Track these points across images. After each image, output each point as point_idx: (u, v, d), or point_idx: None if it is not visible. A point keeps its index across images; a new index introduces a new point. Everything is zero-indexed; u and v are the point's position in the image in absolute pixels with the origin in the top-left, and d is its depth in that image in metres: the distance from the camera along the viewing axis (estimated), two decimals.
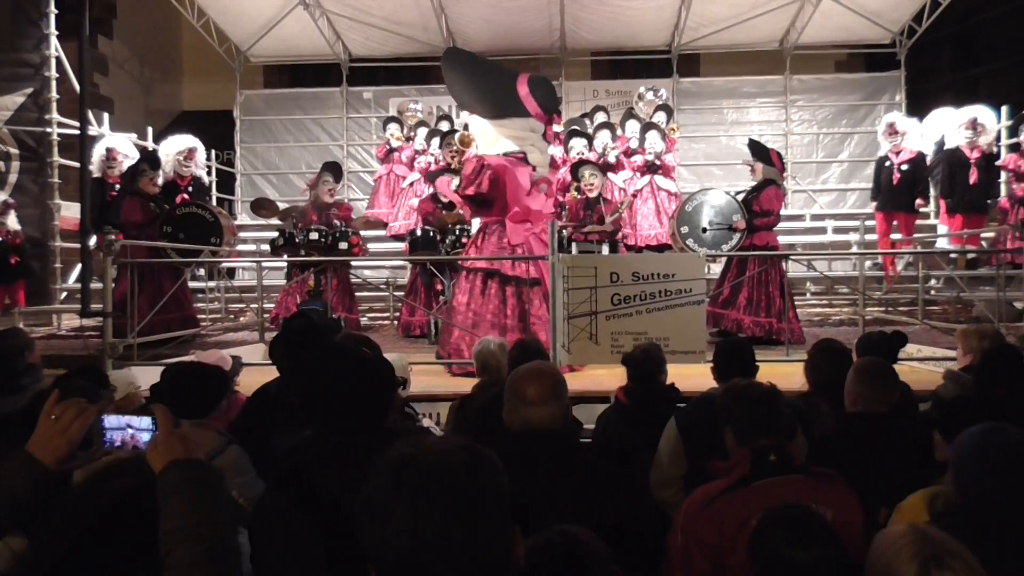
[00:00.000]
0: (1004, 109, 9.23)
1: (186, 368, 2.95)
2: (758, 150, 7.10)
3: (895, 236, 9.06)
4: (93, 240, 7.50)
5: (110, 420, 1.43)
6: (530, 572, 1.16)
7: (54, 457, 1.36)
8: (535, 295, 5.62)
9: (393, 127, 10.40)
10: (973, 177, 8.44)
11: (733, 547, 1.96)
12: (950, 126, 8.82)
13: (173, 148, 9.02)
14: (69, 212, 9.10)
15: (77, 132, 7.92)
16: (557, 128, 9.90)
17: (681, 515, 2.08)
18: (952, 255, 8.58)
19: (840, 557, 1.53)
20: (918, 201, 8.88)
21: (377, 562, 0.97)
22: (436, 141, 9.38)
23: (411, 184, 9.78)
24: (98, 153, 8.64)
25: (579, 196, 7.89)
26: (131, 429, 1.43)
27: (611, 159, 9.11)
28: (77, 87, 8.30)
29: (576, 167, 7.86)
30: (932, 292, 8.59)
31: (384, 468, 1.00)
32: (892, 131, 8.94)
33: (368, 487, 1.00)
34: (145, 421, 1.42)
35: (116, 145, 8.85)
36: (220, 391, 2.82)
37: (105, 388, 2.76)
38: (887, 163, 8.94)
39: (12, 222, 8.19)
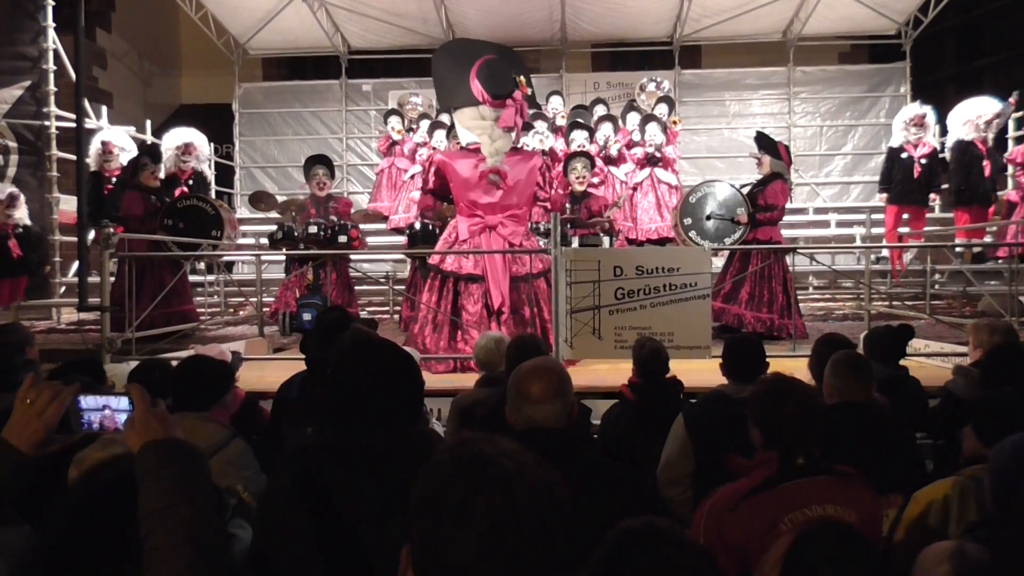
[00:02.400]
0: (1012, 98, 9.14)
1: (190, 361, 2.91)
2: (765, 142, 7.01)
3: (903, 230, 8.99)
4: (92, 234, 7.44)
5: (87, 401, 1.40)
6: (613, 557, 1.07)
7: (31, 442, 1.34)
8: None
9: (394, 120, 10.32)
10: (988, 170, 8.37)
11: (760, 550, 1.90)
12: (963, 118, 8.70)
13: (171, 143, 8.96)
14: (68, 206, 9.04)
15: (75, 125, 7.85)
16: (560, 113, 9.85)
17: (704, 515, 2.02)
18: (958, 249, 8.51)
19: None
20: (932, 195, 8.82)
21: (427, 561, 0.89)
22: (440, 134, 9.27)
23: (412, 177, 9.69)
24: (93, 147, 8.57)
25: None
26: (109, 410, 1.40)
27: (613, 152, 9.04)
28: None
29: (568, 159, 7.76)
30: (936, 286, 8.52)
31: (463, 462, 0.91)
32: (919, 123, 8.82)
33: (438, 477, 0.91)
34: (123, 401, 1.39)
35: (112, 138, 8.78)
36: (223, 385, 2.79)
37: (102, 383, 2.73)
38: (904, 155, 8.82)
39: (21, 215, 8.12)
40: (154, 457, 1.23)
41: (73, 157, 8.30)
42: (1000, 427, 2.17)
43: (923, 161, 8.71)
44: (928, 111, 9.11)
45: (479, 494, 0.87)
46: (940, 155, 9.06)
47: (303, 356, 3.52)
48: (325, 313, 3.59)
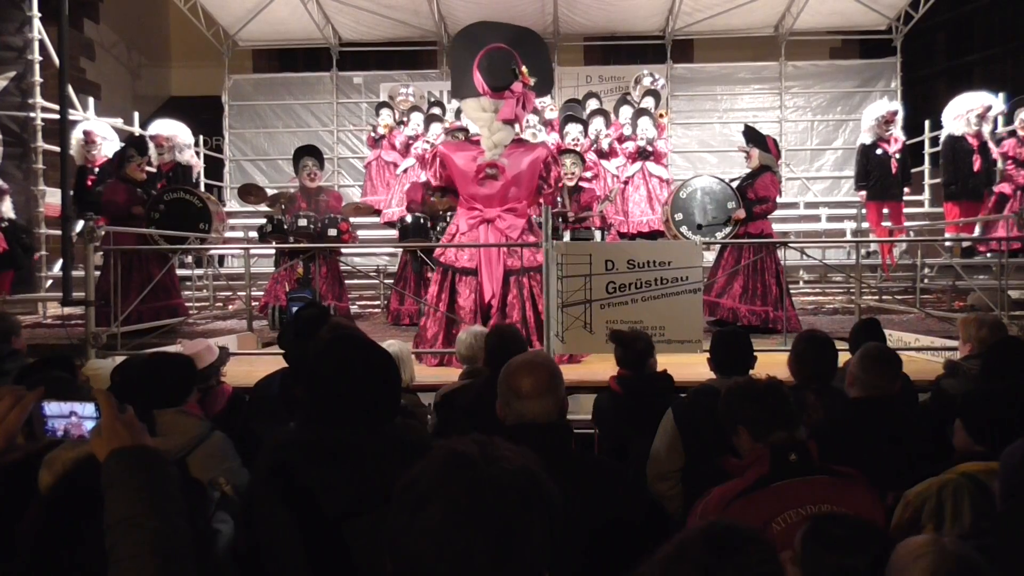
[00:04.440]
0: (1001, 96, 9.18)
1: (153, 358, 2.88)
2: (753, 136, 7.00)
3: (886, 224, 9.03)
4: (79, 226, 7.36)
5: (51, 408, 1.34)
6: None
7: None
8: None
9: (384, 113, 10.26)
10: (977, 164, 8.41)
11: None
12: (955, 113, 8.74)
13: (76, 134, 8.78)
14: (54, 199, 8.94)
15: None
16: (549, 106, 9.81)
17: (696, 516, 2.00)
18: (948, 243, 8.54)
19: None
20: (907, 189, 8.88)
21: (391, 548, 0.91)
22: (436, 127, 9.22)
23: (405, 171, 9.64)
24: (75, 138, 8.47)
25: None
26: (75, 416, 1.34)
27: (604, 146, 9.03)
28: None
29: (558, 154, 7.72)
30: (926, 280, 8.55)
31: (438, 457, 0.93)
32: (890, 119, 8.87)
33: (415, 469, 0.93)
34: (88, 408, 1.33)
35: (93, 128, 8.68)
36: (190, 377, 2.77)
37: (75, 379, 2.69)
38: (879, 151, 8.87)
39: (6, 209, 8.02)
40: (120, 465, 1.19)
41: (59, 149, 8.23)
42: (988, 422, 2.17)
43: (898, 156, 8.77)
44: (898, 107, 9.17)
45: (442, 487, 0.88)
46: (929, 149, 9.10)
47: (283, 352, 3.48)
48: (304, 309, 3.55)
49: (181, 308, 7.27)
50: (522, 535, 0.88)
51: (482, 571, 0.86)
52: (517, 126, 5.60)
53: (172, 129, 9.40)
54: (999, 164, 8.72)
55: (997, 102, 8.89)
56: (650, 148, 8.91)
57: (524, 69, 5.36)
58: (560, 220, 6.97)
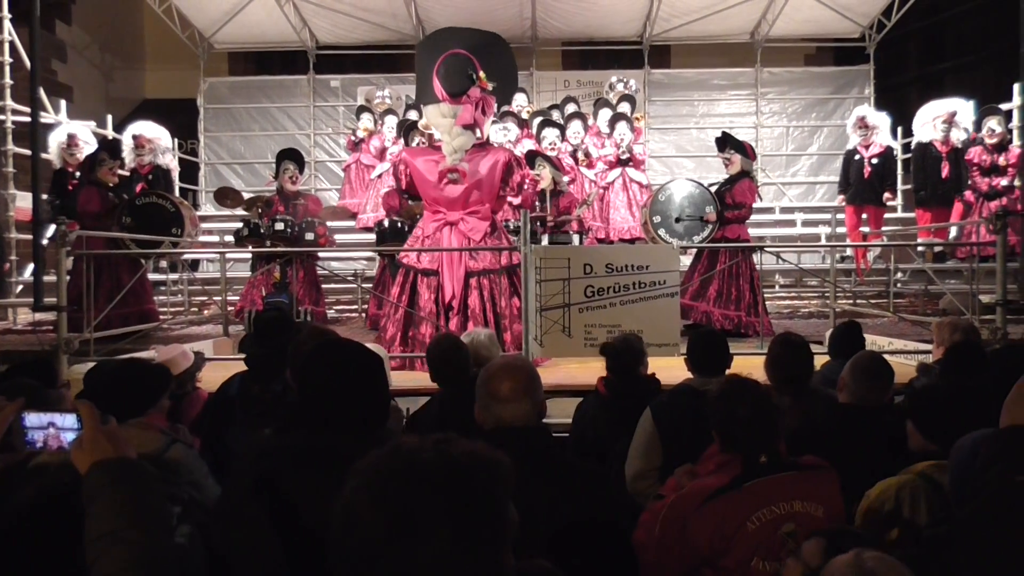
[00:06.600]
0: (971, 103, 9.33)
1: (118, 365, 2.80)
2: (733, 142, 7.05)
3: (863, 229, 9.14)
4: (51, 231, 7.24)
5: (31, 419, 1.31)
6: None
7: None
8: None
9: (365, 118, 10.24)
10: (945, 171, 8.56)
11: (727, 549, 1.93)
12: (924, 120, 8.90)
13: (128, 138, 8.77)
14: (24, 203, 8.78)
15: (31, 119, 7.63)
16: (525, 108, 9.83)
17: (667, 508, 2.02)
18: (920, 248, 8.66)
19: None
20: (886, 195, 8.99)
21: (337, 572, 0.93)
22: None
23: (380, 176, 9.61)
24: (57, 140, 8.34)
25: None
26: (54, 428, 1.31)
27: (581, 155, 9.04)
28: None
29: (529, 158, 7.73)
30: (899, 285, 8.67)
31: (389, 445, 0.97)
32: (862, 125, 9.01)
33: (343, 492, 0.96)
34: (69, 419, 1.30)
35: (77, 132, 8.57)
36: (157, 387, 2.68)
37: (54, 387, 2.62)
38: (856, 156, 9.01)
39: None
40: (103, 478, 1.15)
41: (30, 152, 8.08)
42: (936, 420, 2.19)
43: (873, 161, 8.91)
44: (870, 112, 9.32)
45: (367, 468, 0.95)
46: (901, 155, 9.21)
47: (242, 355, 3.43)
48: (263, 311, 3.52)
49: (152, 313, 7.16)
50: (425, 522, 0.90)
51: (377, 546, 0.90)
52: (478, 130, 5.63)
53: (155, 131, 9.30)
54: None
55: (964, 108, 9.03)
56: (628, 155, 8.95)
57: (482, 74, 5.43)
58: (538, 224, 6.98)
